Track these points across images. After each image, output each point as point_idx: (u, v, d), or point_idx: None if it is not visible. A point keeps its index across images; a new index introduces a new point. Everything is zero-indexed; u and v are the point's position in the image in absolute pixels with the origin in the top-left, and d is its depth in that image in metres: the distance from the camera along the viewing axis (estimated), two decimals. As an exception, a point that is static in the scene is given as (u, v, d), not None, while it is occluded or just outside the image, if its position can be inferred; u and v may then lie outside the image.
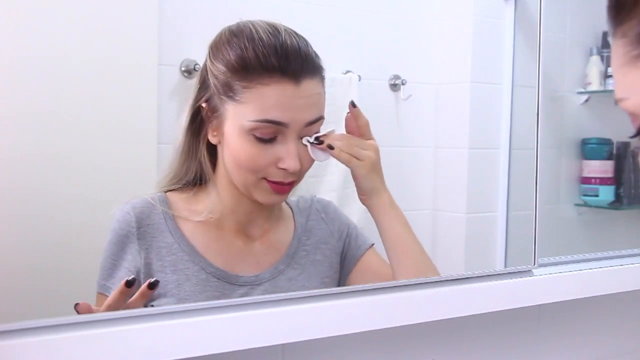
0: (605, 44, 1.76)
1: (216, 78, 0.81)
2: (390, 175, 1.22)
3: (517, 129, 1.25)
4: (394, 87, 1.25)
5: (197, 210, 0.85)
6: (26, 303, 0.80)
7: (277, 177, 0.82)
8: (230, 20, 0.86)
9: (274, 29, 0.81)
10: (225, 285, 0.84)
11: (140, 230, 0.82)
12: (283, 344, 0.86)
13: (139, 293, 0.76)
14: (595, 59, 1.76)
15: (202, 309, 0.75)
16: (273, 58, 0.79)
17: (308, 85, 0.81)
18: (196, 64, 0.97)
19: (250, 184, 0.83)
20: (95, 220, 0.87)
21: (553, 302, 1.02)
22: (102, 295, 0.81)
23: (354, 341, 0.93)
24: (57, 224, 0.86)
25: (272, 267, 0.88)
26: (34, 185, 0.85)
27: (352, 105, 0.88)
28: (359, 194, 0.88)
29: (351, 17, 1.19)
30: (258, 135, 0.80)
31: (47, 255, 0.85)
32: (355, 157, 0.85)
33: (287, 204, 0.94)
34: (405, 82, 1.24)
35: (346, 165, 0.86)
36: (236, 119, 0.81)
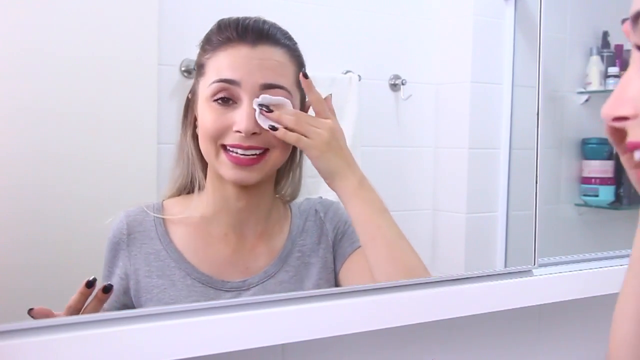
0: (606, 44, 1.76)
1: (196, 64, 0.86)
2: (390, 175, 1.21)
3: (517, 129, 1.25)
4: (394, 87, 1.24)
5: (184, 210, 0.86)
6: (26, 303, 0.80)
7: (234, 140, 0.81)
8: (230, 20, 0.86)
9: (248, 16, 0.84)
10: (210, 290, 0.84)
11: (130, 237, 0.83)
12: (283, 344, 0.86)
13: (95, 297, 0.77)
14: (595, 59, 1.75)
15: (202, 309, 0.76)
16: (232, 29, 0.82)
17: (265, 50, 0.82)
18: (196, 64, 0.97)
19: (213, 157, 0.82)
20: (95, 219, 0.87)
21: (553, 302, 1.03)
22: None
23: (353, 341, 0.93)
24: (57, 224, 0.86)
25: (262, 271, 0.87)
26: (34, 184, 0.85)
27: (304, 76, 0.85)
28: (323, 179, 0.85)
29: (351, 17, 1.19)
30: (217, 100, 0.81)
31: (47, 255, 0.85)
32: (304, 136, 0.82)
33: (289, 206, 0.93)
34: (405, 82, 1.24)
35: (295, 145, 0.83)
36: (202, 91, 0.83)
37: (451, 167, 1.31)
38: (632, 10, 0.52)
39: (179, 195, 0.88)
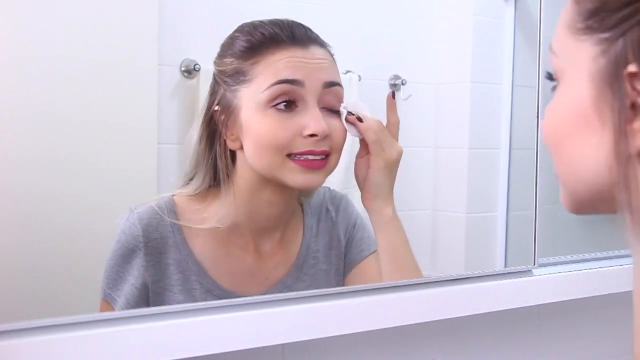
0: (605, 44, 1.76)
1: (225, 73, 0.80)
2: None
3: (517, 129, 1.25)
4: (394, 87, 1.24)
5: (205, 218, 0.81)
6: (26, 303, 0.80)
7: (305, 146, 0.77)
8: (231, 20, 0.86)
9: (275, 18, 0.81)
10: None
11: (147, 245, 0.78)
12: (283, 344, 0.86)
13: None
14: (595, 59, 1.75)
15: (203, 309, 0.76)
16: (277, 29, 0.78)
17: (317, 50, 0.80)
18: (196, 64, 0.97)
19: (276, 167, 0.77)
20: (96, 220, 0.87)
21: (553, 302, 1.03)
22: (106, 302, 0.79)
23: (354, 341, 0.93)
24: (57, 224, 0.86)
25: (281, 282, 0.85)
26: (34, 185, 0.85)
27: (392, 95, 0.85)
28: (364, 191, 0.84)
29: (351, 17, 1.19)
30: (277, 105, 0.76)
31: (47, 256, 0.85)
32: (380, 143, 0.82)
33: (299, 202, 0.90)
34: (405, 82, 1.24)
35: (370, 145, 0.82)
36: (251, 99, 0.77)
37: (451, 167, 1.31)
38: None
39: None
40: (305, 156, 0.77)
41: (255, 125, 0.77)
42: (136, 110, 0.94)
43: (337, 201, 0.92)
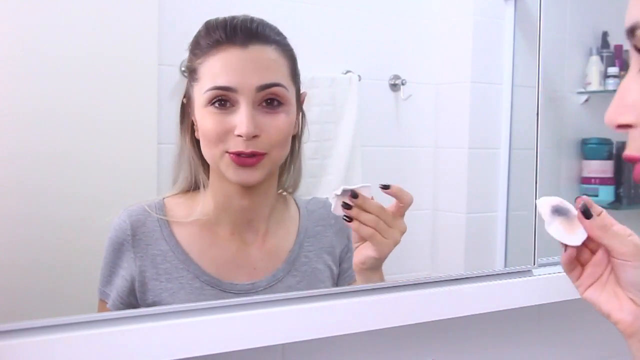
0: (605, 44, 1.76)
1: (188, 68, 0.85)
2: (390, 175, 1.21)
3: (517, 129, 1.25)
4: (394, 87, 1.24)
5: (190, 212, 0.86)
6: (26, 303, 0.80)
7: (236, 146, 0.81)
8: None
9: (234, 15, 0.83)
10: (220, 293, 0.83)
11: (135, 238, 0.83)
12: (283, 344, 0.86)
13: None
14: (595, 59, 1.75)
15: (203, 309, 0.76)
16: (220, 31, 0.82)
17: (257, 51, 0.82)
18: (196, 64, 0.97)
19: (217, 160, 0.83)
20: (95, 219, 0.87)
21: (553, 302, 1.03)
22: (101, 301, 0.82)
23: (354, 341, 0.93)
24: (57, 224, 0.86)
25: (271, 274, 0.87)
26: (34, 184, 0.85)
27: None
28: (357, 261, 0.83)
29: (351, 17, 1.19)
30: (215, 105, 0.81)
31: (47, 255, 0.85)
32: (379, 234, 0.79)
33: (297, 204, 0.92)
34: (405, 82, 1.24)
35: (367, 239, 0.80)
36: (198, 97, 0.83)
37: (451, 167, 1.31)
38: (626, 24, 0.51)
39: (178, 194, 0.87)
40: (240, 154, 0.81)
41: (200, 121, 0.83)
42: (136, 110, 0.94)
43: None
